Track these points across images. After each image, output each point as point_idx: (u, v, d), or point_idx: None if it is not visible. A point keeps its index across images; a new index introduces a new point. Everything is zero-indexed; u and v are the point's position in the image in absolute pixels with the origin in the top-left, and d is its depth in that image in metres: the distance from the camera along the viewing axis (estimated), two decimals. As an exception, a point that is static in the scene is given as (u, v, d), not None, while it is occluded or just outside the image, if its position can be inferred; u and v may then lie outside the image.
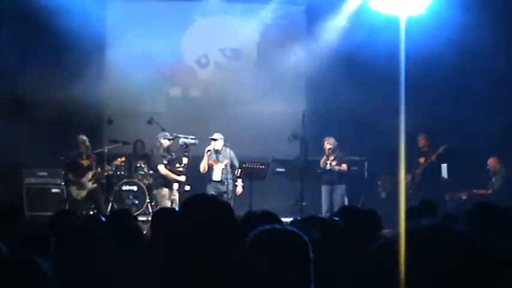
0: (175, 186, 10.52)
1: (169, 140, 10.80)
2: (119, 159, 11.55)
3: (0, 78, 11.67)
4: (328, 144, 11.02)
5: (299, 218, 6.24)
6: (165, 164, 10.68)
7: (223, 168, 10.58)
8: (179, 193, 10.49)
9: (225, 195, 10.27)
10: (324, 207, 10.96)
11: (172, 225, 2.71)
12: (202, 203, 2.59)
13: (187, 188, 10.47)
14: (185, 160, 10.44)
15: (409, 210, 5.08)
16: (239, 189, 10.64)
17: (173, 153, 10.87)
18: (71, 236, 3.41)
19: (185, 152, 10.40)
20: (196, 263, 2.38)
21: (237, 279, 2.23)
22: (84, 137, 11.33)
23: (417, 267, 1.64)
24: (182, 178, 10.50)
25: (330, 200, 10.95)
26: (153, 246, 3.65)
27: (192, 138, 10.41)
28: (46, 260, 2.02)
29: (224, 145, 10.74)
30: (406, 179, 10.96)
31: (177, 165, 10.55)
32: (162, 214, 4.51)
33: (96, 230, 3.51)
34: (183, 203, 2.59)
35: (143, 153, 11.99)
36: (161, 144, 10.78)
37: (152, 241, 3.89)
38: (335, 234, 3.86)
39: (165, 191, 10.63)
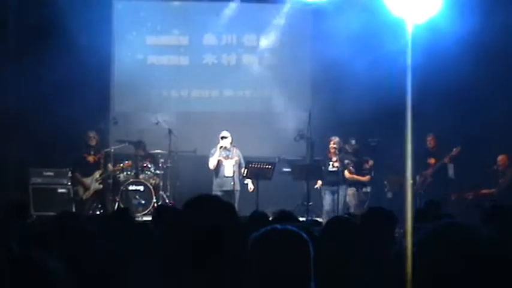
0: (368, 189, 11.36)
1: (352, 145, 11.38)
2: (126, 162, 11.58)
3: (6, 78, 11.72)
4: (334, 143, 10.99)
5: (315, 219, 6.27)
6: (349, 169, 11.12)
7: (233, 165, 10.72)
8: (362, 194, 11.35)
9: (233, 194, 10.42)
10: (327, 207, 10.90)
11: (174, 224, 2.72)
12: (205, 203, 2.59)
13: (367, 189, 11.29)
14: (371, 162, 11.20)
15: (416, 212, 5.07)
16: (251, 186, 10.78)
17: (354, 157, 11.31)
18: (75, 236, 3.42)
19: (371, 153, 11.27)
20: (198, 262, 2.39)
21: (238, 279, 2.25)
22: (93, 133, 11.43)
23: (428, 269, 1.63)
24: (366, 178, 11.20)
25: (332, 200, 10.89)
26: (156, 244, 3.64)
27: (375, 140, 11.15)
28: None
29: (232, 144, 10.87)
30: (416, 180, 10.95)
31: (365, 165, 11.31)
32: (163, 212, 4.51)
33: (99, 230, 3.52)
34: (186, 202, 2.59)
35: (146, 153, 12.01)
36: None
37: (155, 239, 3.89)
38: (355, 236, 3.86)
39: (353, 190, 11.21)
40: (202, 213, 2.51)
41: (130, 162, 11.63)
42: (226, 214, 2.53)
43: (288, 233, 2.23)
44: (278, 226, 2.28)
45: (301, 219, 6.10)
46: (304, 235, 2.23)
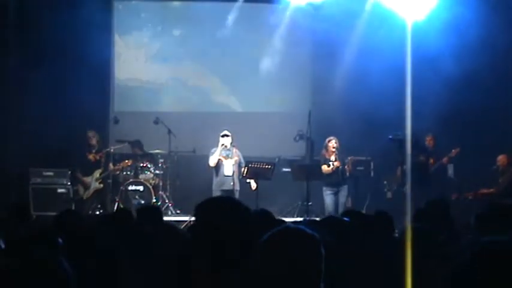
0: None
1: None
2: (126, 161, 11.58)
3: (7, 77, 11.73)
4: (335, 143, 10.95)
5: (313, 218, 6.26)
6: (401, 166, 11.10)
7: (233, 164, 10.68)
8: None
9: (232, 193, 10.39)
10: (329, 208, 10.87)
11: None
12: (219, 206, 2.60)
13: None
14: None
15: (417, 212, 5.07)
16: (254, 185, 10.75)
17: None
18: (77, 235, 3.42)
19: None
20: (210, 263, 2.39)
21: (250, 279, 2.25)
22: (92, 132, 11.45)
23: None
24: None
25: (334, 201, 10.87)
26: (163, 245, 3.65)
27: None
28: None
29: (232, 144, 10.85)
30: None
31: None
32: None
33: (102, 230, 3.52)
34: (197, 206, 2.60)
35: (143, 153, 12.01)
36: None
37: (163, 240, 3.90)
38: (348, 236, 3.85)
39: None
40: (214, 214, 2.52)
41: (130, 161, 11.63)
42: (240, 215, 2.53)
43: (302, 233, 2.23)
44: (291, 225, 2.28)
45: (299, 219, 6.10)
46: (317, 235, 2.23)
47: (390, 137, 10.72)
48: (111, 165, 11.49)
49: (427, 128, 11.31)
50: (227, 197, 2.75)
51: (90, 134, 11.46)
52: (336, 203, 10.81)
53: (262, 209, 4.15)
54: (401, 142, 10.31)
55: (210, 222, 2.48)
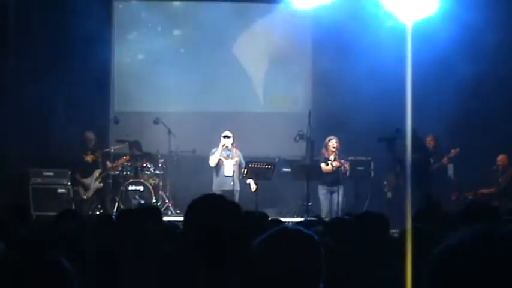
0: None
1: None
2: (123, 157, 11.59)
3: (6, 77, 11.73)
4: (335, 143, 10.93)
5: (313, 219, 6.28)
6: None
7: (233, 165, 10.68)
8: None
9: (233, 194, 10.39)
10: (325, 208, 10.85)
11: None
12: (210, 203, 2.60)
13: None
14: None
15: (416, 212, 5.07)
16: (253, 186, 10.71)
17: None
18: (77, 235, 3.42)
19: None
20: (204, 262, 2.39)
21: (249, 279, 2.25)
22: (91, 133, 11.45)
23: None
24: None
25: (330, 201, 10.85)
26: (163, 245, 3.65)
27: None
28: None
29: (232, 145, 10.85)
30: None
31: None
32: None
33: (102, 230, 3.52)
34: (190, 204, 2.60)
35: (142, 153, 12.01)
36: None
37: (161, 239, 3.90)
38: (348, 236, 3.86)
39: None
40: (207, 212, 2.52)
41: (127, 157, 11.63)
42: (232, 214, 2.53)
43: (300, 233, 2.22)
44: (289, 226, 2.27)
45: (299, 219, 6.10)
46: (315, 236, 2.22)
47: (384, 136, 10.71)
48: (108, 163, 11.50)
49: (428, 128, 11.30)
50: (219, 196, 2.74)
51: (89, 135, 11.46)
52: (331, 203, 10.80)
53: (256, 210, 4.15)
54: (390, 141, 10.26)
55: (203, 222, 2.47)
